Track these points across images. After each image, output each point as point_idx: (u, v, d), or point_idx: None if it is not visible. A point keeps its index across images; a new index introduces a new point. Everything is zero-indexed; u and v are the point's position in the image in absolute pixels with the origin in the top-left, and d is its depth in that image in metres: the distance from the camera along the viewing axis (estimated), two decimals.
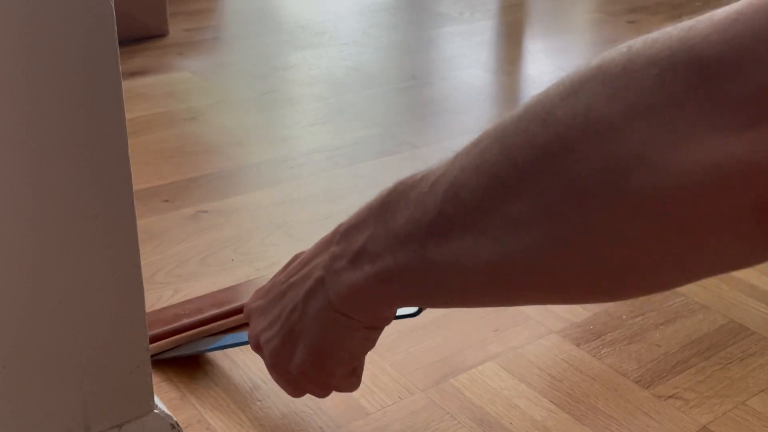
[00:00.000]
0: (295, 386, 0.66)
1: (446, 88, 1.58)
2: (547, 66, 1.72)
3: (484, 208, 0.45)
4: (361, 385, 0.78)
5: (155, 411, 0.64)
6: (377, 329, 0.61)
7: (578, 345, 0.84)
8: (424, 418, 0.75)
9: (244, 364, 0.81)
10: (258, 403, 0.76)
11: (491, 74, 1.67)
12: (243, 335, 0.78)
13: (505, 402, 0.77)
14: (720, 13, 0.37)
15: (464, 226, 0.47)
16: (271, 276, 0.95)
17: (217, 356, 0.82)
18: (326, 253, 0.60)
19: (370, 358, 0.82)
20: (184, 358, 0.81)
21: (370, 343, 0.62)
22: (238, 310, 0.86)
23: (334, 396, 0.77)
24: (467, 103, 1.52)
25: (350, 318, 0.59)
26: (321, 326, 0.60)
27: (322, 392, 0.67)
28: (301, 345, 0.62)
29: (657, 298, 0.90)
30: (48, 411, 0.58)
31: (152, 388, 0.63)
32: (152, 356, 0.76)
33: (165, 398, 0.76)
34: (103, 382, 0.60)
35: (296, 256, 0.67)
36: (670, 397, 0.78)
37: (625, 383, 0.79)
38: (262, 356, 0.66)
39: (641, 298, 0.90)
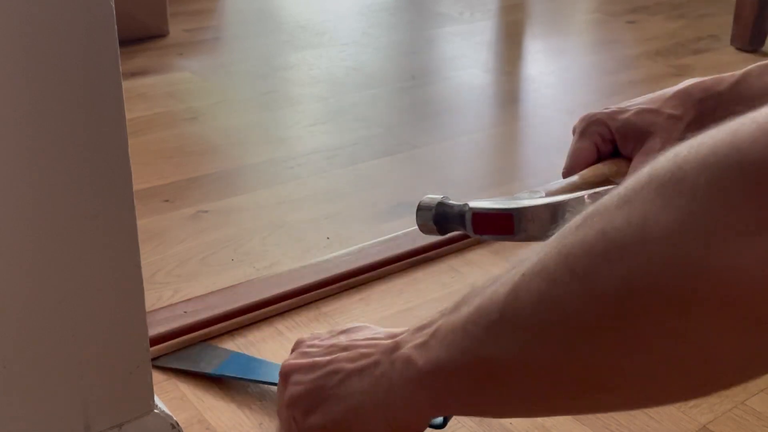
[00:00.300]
0: None
1: (446, 88, 1.58)
2: (547, 66, 1.72)
3: (544, 312, 0.46)
4: None
5: (155, 411, 0.64)
6: None
7: None
8: None
9: None
10: (258, 403, 0.76)
11: (491, 74, 1.67)
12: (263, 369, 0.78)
13: None
14: (763, 114, 0.39)
15: (524, 329, 0.48)
16: (270, 275, 0.96)
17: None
18: (393, 341, 0.59)
19: None
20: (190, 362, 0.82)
21: None
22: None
23: None
24: (467, 103, 1.52)
25: (388, 418, 0.58)
26: (351, 407, 0.59)
27: None
28: (322, 407, 0.61)
29: None
30: (48, 411, 0.58)
31: (152, 388, 0.63)
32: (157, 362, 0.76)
33: (165, 398, 0.76)
34: (104, 382, 0.60)
35: (364, 327, 0.66)
36: None
37: None
38: (282, 387, 0.65)
39: None
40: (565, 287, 0.45)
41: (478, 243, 1.02)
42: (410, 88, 1.57)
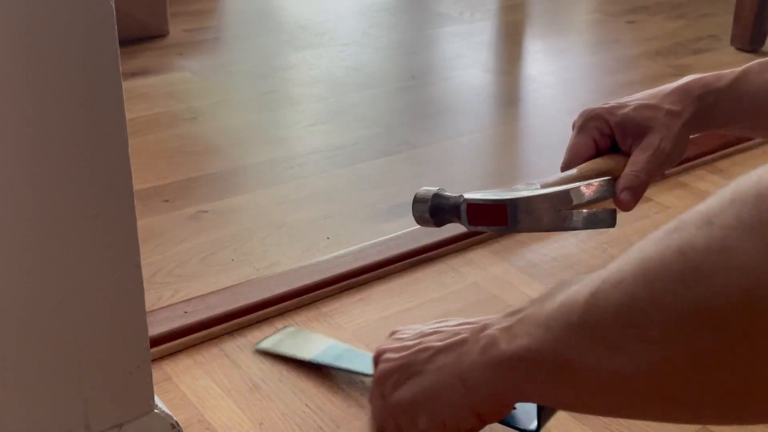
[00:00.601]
0: (380, 414, 0.67)
1: (446, 88, 1.58)
2: (547, 66, 1.72)
3: (619, 324, 0.48)
4: (361, 384, 0.78)
5: (155, 411, 0.64)
6: (479, 419, 0.62)
7: None
8: None
9: (244, 364, 0.81)
10: (258, 403, 0.76)
11: (491, 74, 1.67)
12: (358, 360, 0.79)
13: None
14: None
15: (600, 336, 0.50)
16: (270, 275, 0.96)
17: (216, 356, 0.82)
18: (483, 321, 0.62)
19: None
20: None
21: (465, 427, 0.62)
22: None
23: (335, 396, 0.77)
24: (467, 103, 1.52)
25: (466, 390, 0.60)
26: (438, 379, 0.62)
27: None
28: (409, 382, 0.64)
29: None
30: (49, 410, 0.59)
31: (152, 388, 0.63)
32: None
33: (165, 398, 0.76)
34: (104, 382, 0.60)
35: (456, 318, 0.69)
36: None
37: None
38: (375, 371, 0.68)
39: None
40: (641, 304, 0.47)
41: (478, 243, 1.02)
42: (410, 88, 1.57)
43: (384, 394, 0.66)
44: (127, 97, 0.53)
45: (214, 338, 0.85)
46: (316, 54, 1.72)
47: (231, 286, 0.92)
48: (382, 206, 1.11)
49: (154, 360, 0.79)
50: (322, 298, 0.91)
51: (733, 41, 1.78)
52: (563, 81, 1.64)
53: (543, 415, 0.70)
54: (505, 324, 0.59)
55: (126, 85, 0.54)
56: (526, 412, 0.70)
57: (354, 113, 1.43)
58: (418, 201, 0.72)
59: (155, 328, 0.82)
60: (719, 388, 0.45)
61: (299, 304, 0.90)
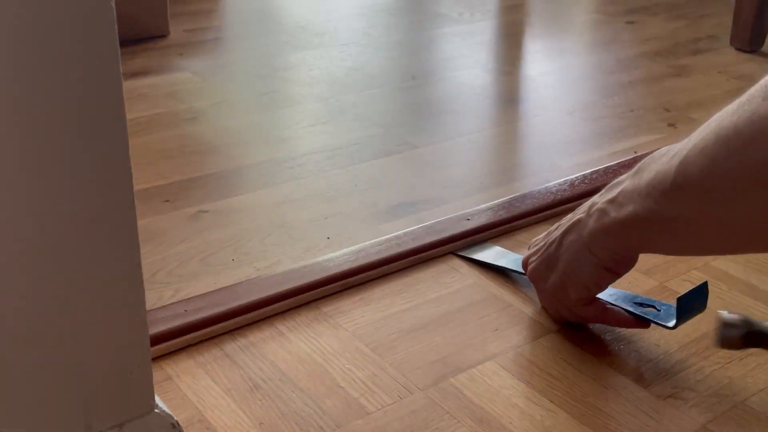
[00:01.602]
0: (549, 303, 0.86)
1: (446, 88, 1.58)
2: (547, 66, 1.73)
3: (707, 182, 0.63)
4: (361, 384, 0.78)
5: (156, 410, 0.64)
6: (611, 272, 0.78)
7: (577, 345, 0.84)
8: (423, 417, 0.75)
9: (244, 363, 0.81)
10: (258, 402, 0.76)
11: (491, 74, 1.67)
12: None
13: (504, 401, 0.77)
14: None
15: (691, 193, 0.65)
16: (270, 275, 0.96)
17: (216, 356, 0.82)
18: (588, 203, 0.78)
19: (370, 358, 0.82)
20: None
21: (604, 282, 0.79)
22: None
23: (334, 396, 0.77)
24: (467, 103, 1.52)
25: (593, 255, 0.77)
26: (570, 255, 0.79)
27: (567, 313, 0.85)
28: (555, 269, 0.82)
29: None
30: (49, 410, 0.59)
31: (153, 387, 0.63)
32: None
33: (165, 398, 0.76)
34: (104, 382, 0.60)
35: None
36: (670, 396, 0.78)
37: (624, 383, 0.79)
38: (528, 274, 0.87)
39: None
40: (721, 164, 0.61)
41: (478, 243, 1.02)
42: (410, 88, 1.57)
43: (542, 288, 0.85)
44: (127, 98, 0.54)
45: (215, 338, 0.85)
46: (316, 54, 1.72)
47: (231, 285, 0.92)
48: (382, 206, 1.11)
49: (154, 359, 0.79)
50: (322, 298, 0.91)
51: (732, 41, 1.78)
52: (563, 81, 1.64)
53: (682, 315, 0.81)
54: (608, 197, 0.75)
55: (126, 85, 0.54)
56: (667, 310, 0.83)
57: (354, 113, 1.43)
58: (727, 326, 0.77)
59: (155, 328, 0.82)
60: None
61: (299, 303, 0.90)
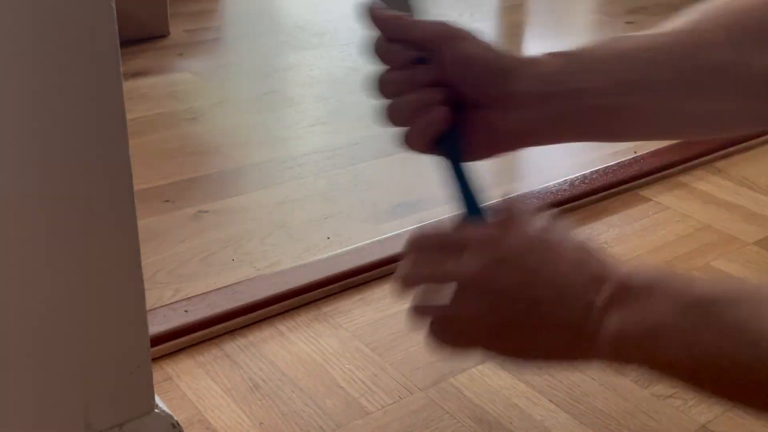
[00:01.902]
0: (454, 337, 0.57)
1: None
2: None
3: None
4: (361, 384, 0.78)
5: (156, 410, 0.64)
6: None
7: None
8: (423, 417, 0.75)
9: (244, 363, 0.81)
10: (258, 402, 0.76)
11: None
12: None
13: (504, 401, 0.77)
14: None
15: None
16: (271, 275, 0.95)
17: (216, 356, 0.82)
18: (592, 286, 0.50)
19: (370, 358, 0.82)
20: None
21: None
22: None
23: (334, 396, 0.77)
24: None
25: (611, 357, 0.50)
26: (557, 336, 0.51)
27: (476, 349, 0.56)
28: (519, 336, 0.53)
29: None
30: (50, 410, 0.59)
31: (153, 387, 0.63)
32: None
33: (165, 398, 0.76)
34: (104, 382, 0.60)
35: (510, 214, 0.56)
36: (670, 396, 0.78)
37: (624, 383, 0.79)
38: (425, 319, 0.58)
39: None
40: None
41: None
42: None
43: (462, 331, 0.57)
44: (127, 98, 0.54)
45: (215, 338, 0.85)
46: (316, 54, 1.72)
47: (231, 285, 0.92)
48: (382, 206, 1.11)
49: (154, 360, 0.79)
50: (322, 298, 0.91)
51: None
52: None
53: None
54: (648, 323, 0.48)
55: (126, 85, 0.54)
56: None
57: (354, 113, 1.43)
58: None
59: (155, 328, 0.82)
60: None
61: (299, 303, 0.90)
